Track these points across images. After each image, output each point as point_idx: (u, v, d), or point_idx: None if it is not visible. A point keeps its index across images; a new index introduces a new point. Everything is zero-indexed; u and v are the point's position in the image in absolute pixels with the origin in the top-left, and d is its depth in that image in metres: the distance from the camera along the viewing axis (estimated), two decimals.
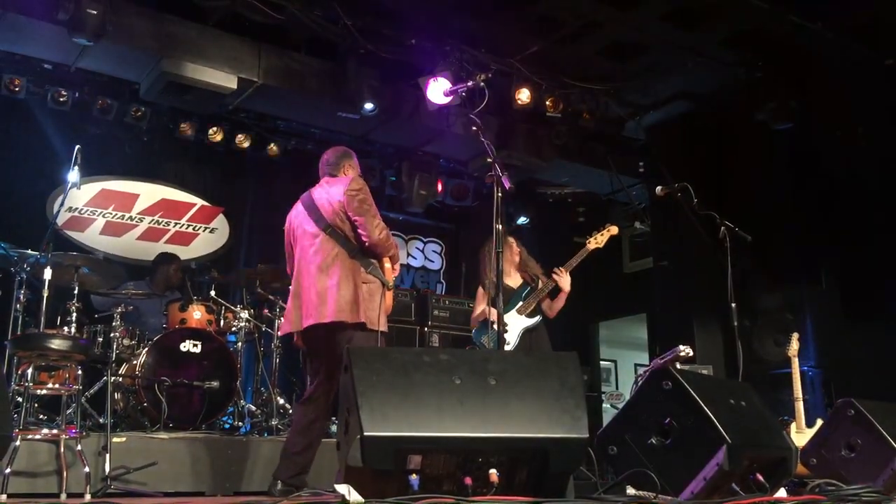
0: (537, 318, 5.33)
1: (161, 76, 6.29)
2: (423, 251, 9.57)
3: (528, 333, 5.28)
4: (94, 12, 5.52)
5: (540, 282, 5.42)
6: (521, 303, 5.33)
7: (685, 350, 5.21)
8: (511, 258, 5.43)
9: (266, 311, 6.24)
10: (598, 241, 5.41)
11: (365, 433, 2.51)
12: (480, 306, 5.40)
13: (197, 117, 7.37)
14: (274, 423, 5.62)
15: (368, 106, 6.74)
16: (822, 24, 6.19)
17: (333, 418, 5.10)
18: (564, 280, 5.31)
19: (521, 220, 9.16)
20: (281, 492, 3.91)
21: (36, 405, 4.85)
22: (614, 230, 5.47)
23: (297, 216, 4.28)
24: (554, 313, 5.47)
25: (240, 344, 5.95)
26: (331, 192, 4.17)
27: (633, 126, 7.97)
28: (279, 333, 6.00)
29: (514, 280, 5.44)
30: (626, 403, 3.64)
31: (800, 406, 5.64)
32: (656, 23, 6.45)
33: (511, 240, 5.50)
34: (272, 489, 3.99)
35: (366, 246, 4.08)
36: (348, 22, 6.28)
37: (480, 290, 5.51)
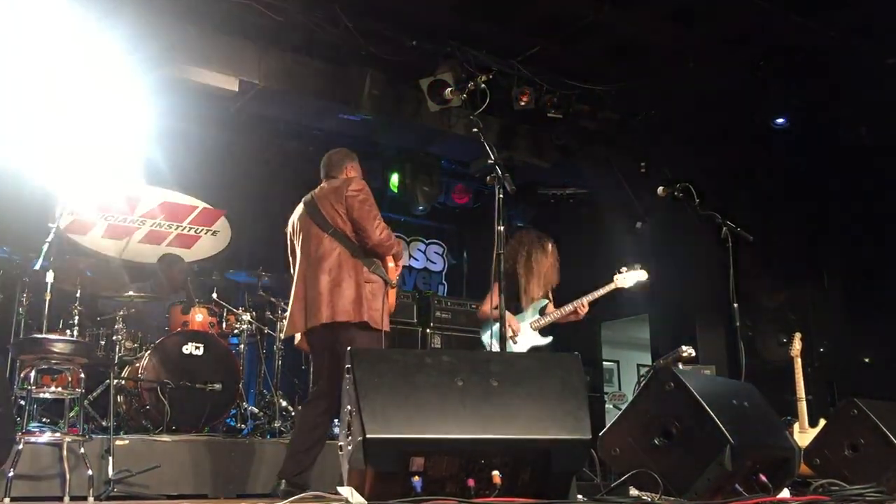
0: (548, 340, 5.13)
1: (162, 79, 6.28)
2: (424, 252, 9.57)
3: (535, 350, 5.18)
4: (96, 12, 5.53)
5: (550, 295, 5.27)
6: (536, 316, 5.18)
7: (687, 350, 5.20)
8: (543, 267, 5.20)
9: (268, 313, 6.24)
10: (626, 282, 5.18)
11: (367, 435, 2.51)
12: (493, 300, 5.29)
13: (198, 120, 7.37)
14: (276, 424, 5.63)
15: (368, 109, 6.73)
16: (823, 24, 6.18)
17: (336, 420, 5.10)
18: (583, 312, 5.12)
19: (521, 221, 9.15)
20: (284, 492, 3.91)
21: (39, 408, 4.86)
22: (643, 276, 5.22)
23: (300, 218, 4.29)
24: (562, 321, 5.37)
25: (242, 346, 5.96)
26: (332, 193, 4.18)
27: (634, 126, 7.96)
28: (282, 335, 6.01)
29: (537, 289, 5.20)
30: (628, 404, 3.63)
31: (803, 406, 5.64)
32: (657, 23, 6.45)
33: (551, 248, 5.26)
34: (276, 489, 4.00)
35: (368, 246, 4.10)
36: (349, 23, 6.28)
37: (497, 284, 5.34)
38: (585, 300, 5.11)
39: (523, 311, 5.14)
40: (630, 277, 5.21)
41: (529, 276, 5.18)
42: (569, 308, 5.13)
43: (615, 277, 5.21)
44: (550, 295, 5.32)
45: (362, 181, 4.26)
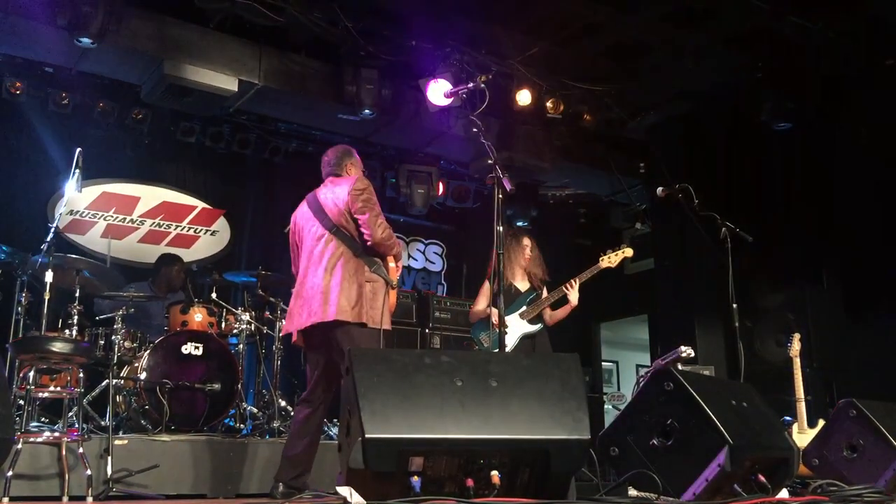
0: (538, 326, 5.28)
1: (162, 79, 6.29)
2: (424, 253, 9.57)
3: (527, 339, 5.25)
4: (95, 14, 5.53)
5: (544, 290, 5.39)
6: (524, 307, 5.29)
7: (686, 351, 5.20)
8: (520, 260, 5.40)
9: (267, 313, 6.24)
10: (611, 260, 5.33)
11: (366, 435, 2.51)
12: (482, 301, 5.36)
13: (198, 120, 7.38)
14: (275, 425, 5.62)
15: (368, 109, 6.73)
16: (822, 25, 6.19)
17: (334, 420, 5.11)
18: (574, 294, 5.26)
19: (521, 222, 9.15)
20: (283, 494, 3.91)
21: (38, 408, 4.86)
22: (629, 252, 5.37)
23: (302, 216, 4.29)
24: (553, 322, 5.44)
25: (241, 346, 5.95)
26: (335, 191, 4.18)
27: (634, 127, 7.97)
28: (281, 333, 6.01)
29: (522, 283, 5.41)
30: (627, 404, 3.63)
31: (801, 406, 5.64)
32: (656, 23, 6.45)
33: (526, 242, 5.45)
34: (274, 492, 3.99)
35: (368, 245, 4.09)
36: (348, 24, 6.28)
37: (486, 284, 5.37)
38: (573, 280, 5.28)
39: (511, 305, 5.26)
40: (615, 257, 5.35)
41: (510, 270, 5.31)
42: (557, 291, 5.29)
43: (601, 258, 5.35)
44: (542, 287, 5.43)
45: (366, 180, 4.25)
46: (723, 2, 6.13)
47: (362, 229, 4.09)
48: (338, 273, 4.01)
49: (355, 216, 4.09)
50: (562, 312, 5.39)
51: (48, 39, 5.97)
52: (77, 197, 6.46)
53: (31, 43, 6.13)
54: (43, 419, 4.95)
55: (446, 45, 6.66)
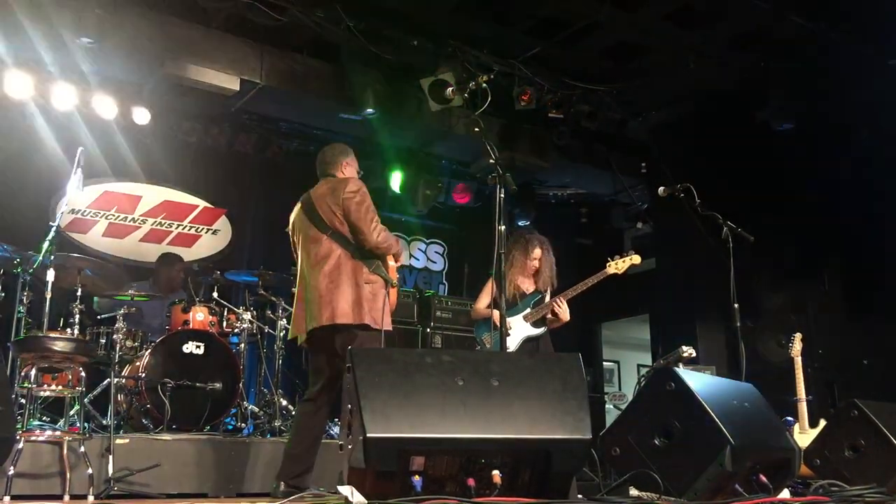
0: (542, 330, 5.20)
1: (164, 78, 6.29)
2: (425, 252, 9.57)
3: (529, 342, 5.18)
4: (98, 12, 5.54)
5: (548, 294, 5.33)
6: (528, 310, 5.23)
7: (688, 351, 5.20)
8: (527, 264, 5.30)
9: (269, 312, 6.24)
10: (618, 266, 5.22)
11: (368, 434, 2.51)
12: (485, 298, 5.31)
13: (200, 119, 7.38)
14: (277, 424, 5.63)
15: (369, 108, 6.73)
16: (823, 25, 6.19)
17: (336, 419, 5.12)
18: (563, 311, 5.12)
19: (522, 221, 9.15)
20: (283, 493, 3.91)
21: (39, 407, 4.86)
22: (636, 259, 5.27)
23: (299, 218, 4.28)
24: (551, 328, 5.40)
25: (242, 345, 5.95)
26: (329, 194, 4.15)
27: (635, 127, 7.97)
28: (282, 334, 6.02)
29: (527, 285, 5.32)
30: (628, 404, 3.64)
31: (803, 407, 5.64)
32: (658, 23, 6.45)
33: (536, 252, 5.32)
34: (275, 490, 3.99)
35: (366, 248, 4.08)
36: (350, 23, 6.29)
37: (489, 281, 5.20)
38: (559, 298, 5.16)
39: (516, 306, 5.20)
40: (622, 264, 5.25)
41: (516, 273, 5.24)
42: (546, 306, 5.18)
43: (608, 264, 5.26)
44: (547, 290, 5.36)
45: (359, 181, 4.21)
46: (724, 1, 6.13)
47: (358, 234, 4.05)
48: (336, 276, 4.00)
49: (350, 220, 4.06)
50: (556, 325, 5.29)
51: (48, 39, 5.97)
52: (78, 196, 6.44)
53: (32, 43, 6.13)
54: (44, 418, 4.94)
55: (448, 44, 6.66)
